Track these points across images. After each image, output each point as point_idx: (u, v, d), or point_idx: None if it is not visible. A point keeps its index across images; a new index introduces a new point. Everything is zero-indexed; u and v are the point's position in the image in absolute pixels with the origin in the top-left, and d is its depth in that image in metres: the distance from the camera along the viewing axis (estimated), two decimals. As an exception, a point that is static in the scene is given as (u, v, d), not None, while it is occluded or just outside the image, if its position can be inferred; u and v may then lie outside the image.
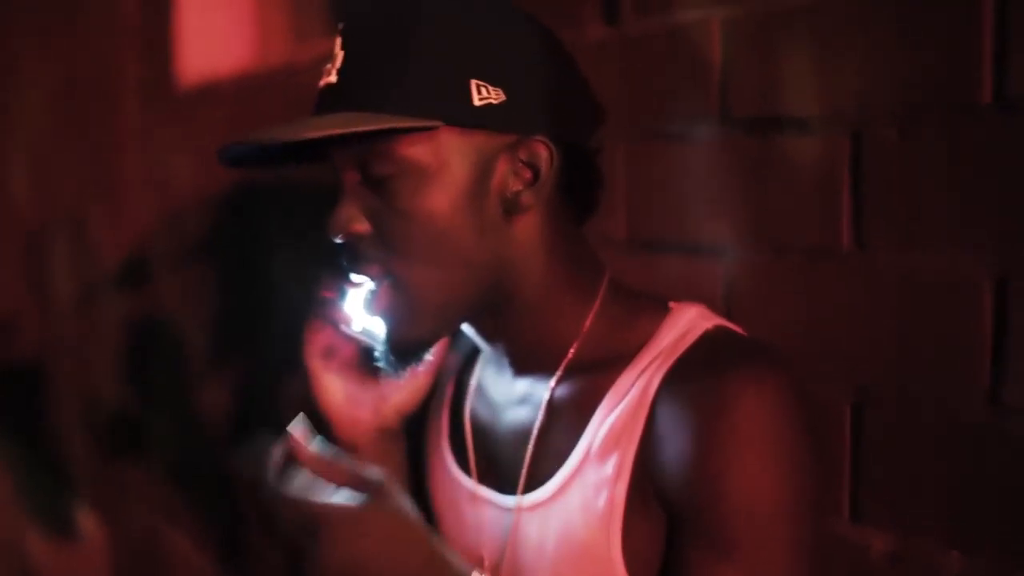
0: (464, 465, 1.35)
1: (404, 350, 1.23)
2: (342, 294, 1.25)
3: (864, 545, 1.32)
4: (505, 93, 1.15)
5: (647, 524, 1.17)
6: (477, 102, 1.14)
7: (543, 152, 1.18)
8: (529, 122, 1.18)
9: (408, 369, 1.29)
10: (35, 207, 4.46)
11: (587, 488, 1.19)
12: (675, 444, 1.14)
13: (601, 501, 1.18)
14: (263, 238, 2.78)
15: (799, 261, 1.39)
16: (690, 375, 1.16)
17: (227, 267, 2.98)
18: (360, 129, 1.11)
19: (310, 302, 1.30)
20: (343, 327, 1.26)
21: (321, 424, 1.29)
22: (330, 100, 1.17)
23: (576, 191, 1.24)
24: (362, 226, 1.18)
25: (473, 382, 1.38)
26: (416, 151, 1.14)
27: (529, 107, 1.17)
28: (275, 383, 2.69)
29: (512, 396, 1.30)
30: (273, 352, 2.70)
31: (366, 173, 1.17)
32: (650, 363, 1.19)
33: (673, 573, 1.16)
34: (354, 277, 1.21)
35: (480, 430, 1.35)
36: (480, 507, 1.32)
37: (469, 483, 1.34)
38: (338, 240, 1.19)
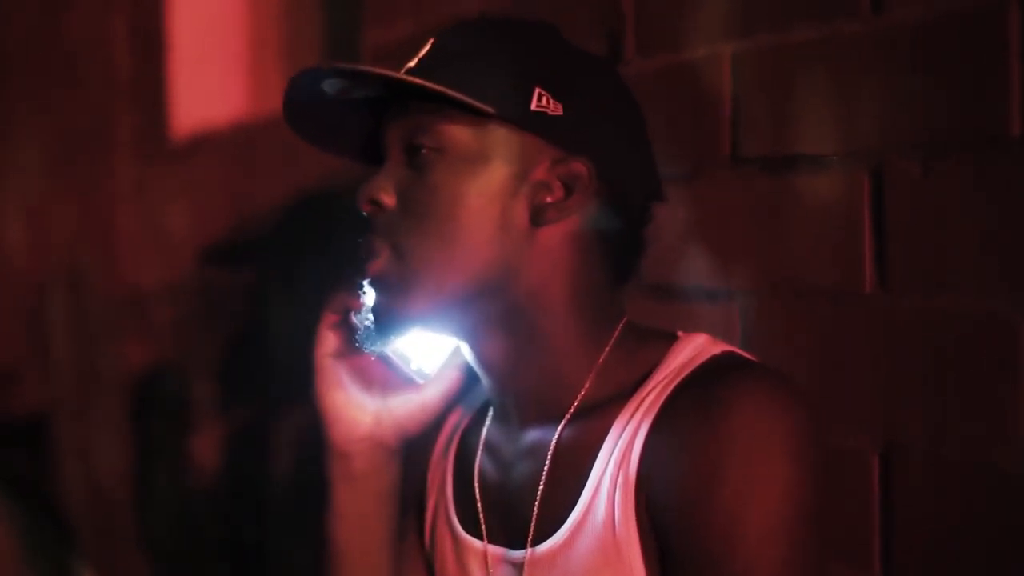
0: (474, 526, 1.31)
1: (386, 322, 1.22)
2: (359, 291, 1.25)
3: (897, 600, 1.27)
4: (564, 109, 1.19)
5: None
6: (534, 107, 1.18)
7: (582, 173, 1.19)
8: (577, 143, 1.20)
9: (384, 346, 1.26)
10: (33, 261, 4.47)
11: (598, 528, 1.16)
12: (664, 462, 1.13)
13: (615, 539, 1.15)
14: (261, 286, 2.76)
15: (820, 304, 1.35)
16: (686, 396, 1.15)
17: (226, 316, 2.96)
18: (419, 82, 1.15)
19: (324, 305, 1.31)
20: (355, 322, 1.26)
21: (318, 424, 1.30)
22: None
23: (611, 242, 1.24)
24: (388, 198, 1.21)
25: (481, 441, 1.34)
26: (463, 133, 1.18)
27: (583, 130, 1.20)
28: (277, 432, 2.66)
29: (520, 448, 1.27)
30: (275, 401, 2.67)
31: (410, 145, 1.20)
32: (652, 390, 1.18)
33: None
34: (363, 250, 1.22)
35: (489, 488, 1.31)
36: (492, 566, 1.28)
37: (479, 544, 1.30)
38: (363, 211, 1.22)
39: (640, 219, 1.27)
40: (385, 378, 1.31)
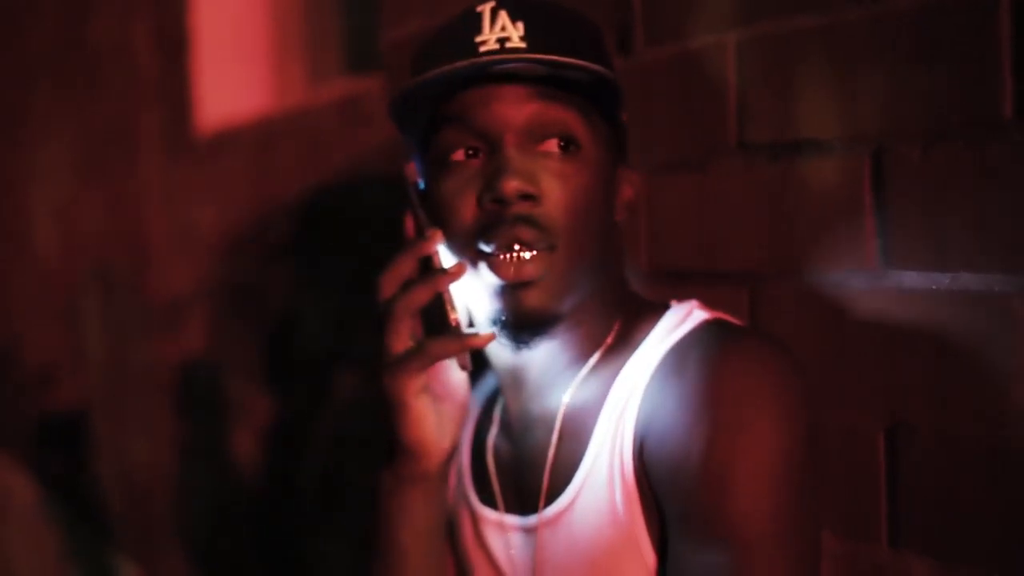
0: (490, 499, 1.35)
1: (537, 321, 1.20)
2: (437, 299, 1.19)
3: (904, 571, 1.29)
4: (624, 120, 1.29)
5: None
6: (623, 116, 1.28)
7: (635, 176, 1.30)
8: (626, 147, 1.30)
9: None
10: (65, 261, 4.50)
11: (600, 487, 1.20)
12: (658, 421, 1.16)
13: (616, 496, 1.18)
14: (288, 279, 2.79)
15: (825, 285, 1.37)
16: (677, 358, 1.18)
17: (255, 310, 2.99)
18: (597, 68, 1.16)
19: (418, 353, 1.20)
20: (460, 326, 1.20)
21: (397, 455, 1.24)
22: (531, 51, 1.17)
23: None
24: (535, 189, 1.17)
25: (494, 420, 1.38)
26: (592, 129, 1.21)
27: (627, 136, 1.30)
28: (310, 426, 2.69)
29: (530, 421, 1.30)
30: (306, 395, 2.70)
31: (545, 136, 1.19)
32: (647, 354, 1.21)
33: (669, 567, 1.15)
34: (510, 240, 1.16)
35: (502, 461, 1.35)
36: (508, 534, 1.32)
37: (495, 515, 1.34)
38: (510, 203, 1.16)
39: None
40: (445, 388, 1.26)
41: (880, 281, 1.30)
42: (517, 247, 1.16)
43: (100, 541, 4.10)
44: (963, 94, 1.20)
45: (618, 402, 1.20)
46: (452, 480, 1.42)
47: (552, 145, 1.18)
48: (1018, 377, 1.16)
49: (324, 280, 2.57)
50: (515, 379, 1.30)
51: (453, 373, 1.26)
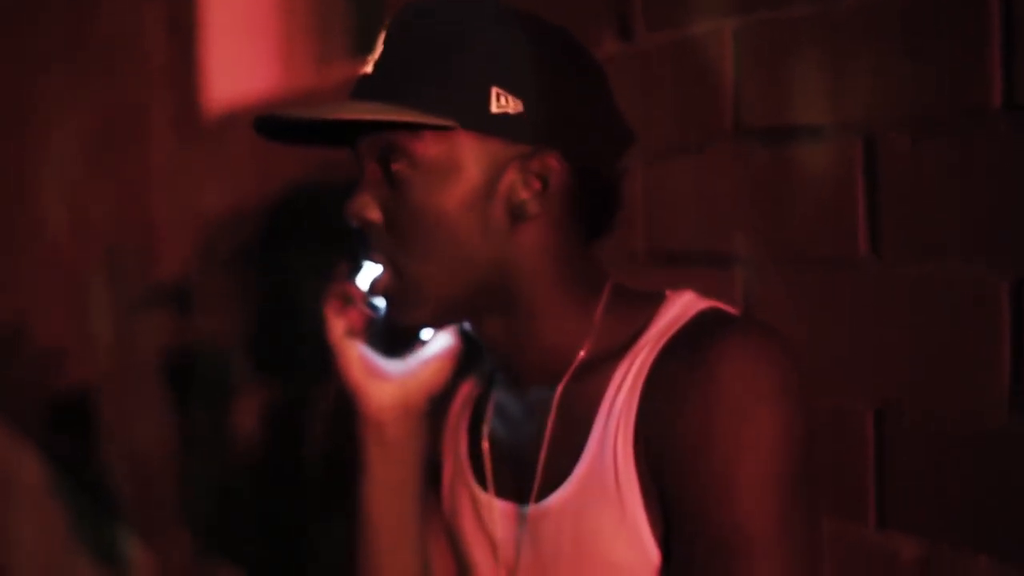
0: (488, 483, 1.36)
1: (401, 328, 1.28)
2: (356, 271, 1.28)
3: (892, 552, 1.31)
4: (524, 105, 1.18)
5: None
6: (494, 109, 1.17)
7: (554, 166, 1.20)
8: (543, 135, 1.20)
9: (407, 348, 1.32)
10: (75, 245, 4.52)
11: (602, 482, 1.20)
12: (659, 416, 1.16)
13: (619, 492, 1.19)
14: (294, 260, 2.80)
15: (817, 270, 1.39)
16: (677, 350, 1.18)
17: (262, 292, 3.00)
18: (372, 117, 1.17)
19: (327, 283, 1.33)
20: (361, 303, 1.29)
21: (349, 404, 1.32)
22: (364, 89, 1.21)
23: (588, 211, 1.25)
24: (374, 215, 1.22)
25: (490, 404, 1.39)
26: (432, 150, 1.18)
27: (546, 121, 1.20)
28: (314, 406, 2.71)
29: (525, 409, 1.32)
30: (310, 375, 2.72)
31: (384, 165, 1.21)
32: (645, 347, 1.21)
33: (672, 564, 1.16)
34: (365, 261, 1.25)
35: (499, 446, 1.36)
36: (500, 519, 1.33)
37: (487, 498, 1.35)
38: (353, 225, 1.24)
39: (615, 175, 1.28)
40: (385, 346, 1.33)
41: (869, 265, 1.32)
42: (372, 263, 1.24)
43: (107, 521, 4.12)
44: (953, 84, 1.22)
45: (619, 397, 1.20)
46: (449, 463, 1.43)
47: (401, 167, 1.19)
48: (1000, 361, 1.19)
49: (330, 261, 2.59)
50: (508, 369, 1.32)
51: (415, 342, 1.33)
